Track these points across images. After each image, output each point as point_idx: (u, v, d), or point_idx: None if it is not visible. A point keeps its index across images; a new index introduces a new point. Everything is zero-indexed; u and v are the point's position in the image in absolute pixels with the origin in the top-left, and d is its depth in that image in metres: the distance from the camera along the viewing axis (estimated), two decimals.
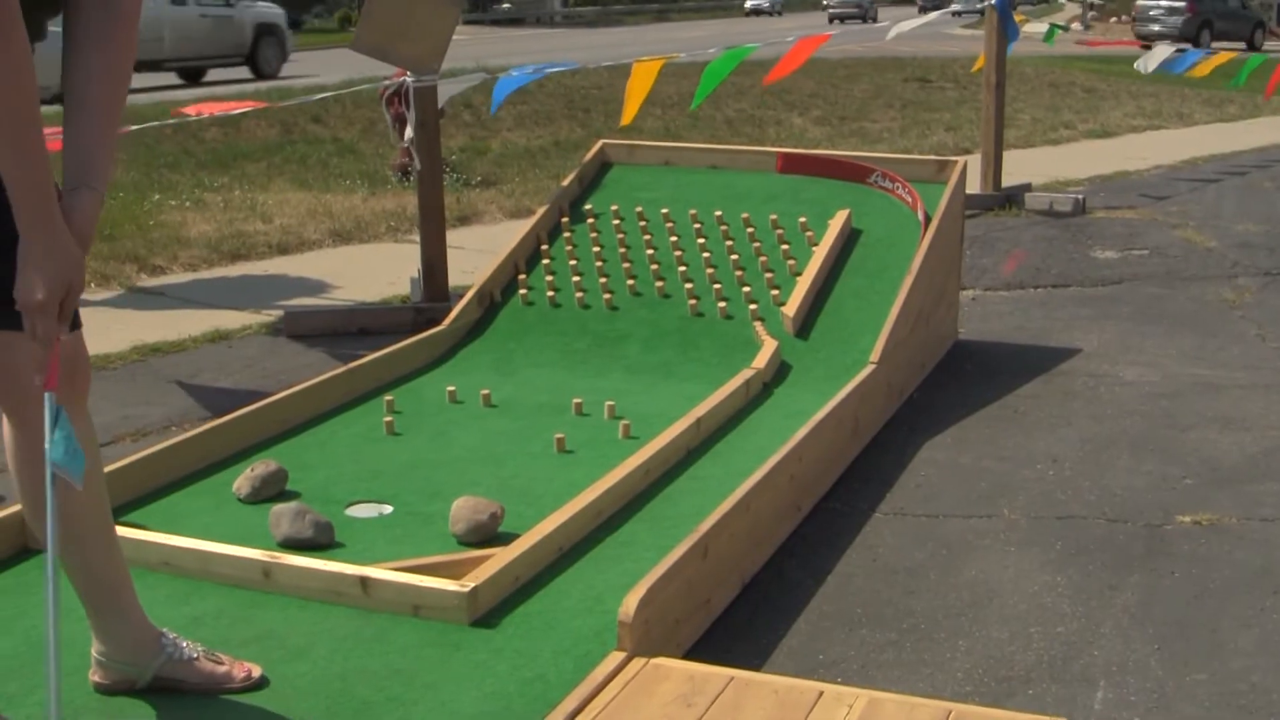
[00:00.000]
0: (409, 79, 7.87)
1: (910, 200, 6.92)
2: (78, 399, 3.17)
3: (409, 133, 8.19)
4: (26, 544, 4.27)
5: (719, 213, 7.09)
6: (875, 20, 61.88)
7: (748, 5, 76.14)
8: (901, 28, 12.45)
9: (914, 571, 4.57)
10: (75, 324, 3.12)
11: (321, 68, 27.04)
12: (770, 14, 73.49)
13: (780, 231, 6.88)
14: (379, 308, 8.22)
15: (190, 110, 9.88)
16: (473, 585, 3.80)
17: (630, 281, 6.71)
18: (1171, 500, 5.17)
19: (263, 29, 27.94)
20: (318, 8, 58.83)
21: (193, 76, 27.08)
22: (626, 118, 9.47)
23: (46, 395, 2.76)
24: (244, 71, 27.36)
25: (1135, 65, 13.12)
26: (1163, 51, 12.63)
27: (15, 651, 3.64)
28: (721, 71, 9.62)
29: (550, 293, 6.75)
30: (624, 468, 4.77)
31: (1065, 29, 15.76)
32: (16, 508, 4.29)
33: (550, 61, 10.04)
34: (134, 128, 10.33)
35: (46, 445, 2.74)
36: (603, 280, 6.77)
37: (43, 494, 3.16)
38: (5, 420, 3.16)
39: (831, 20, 63.57)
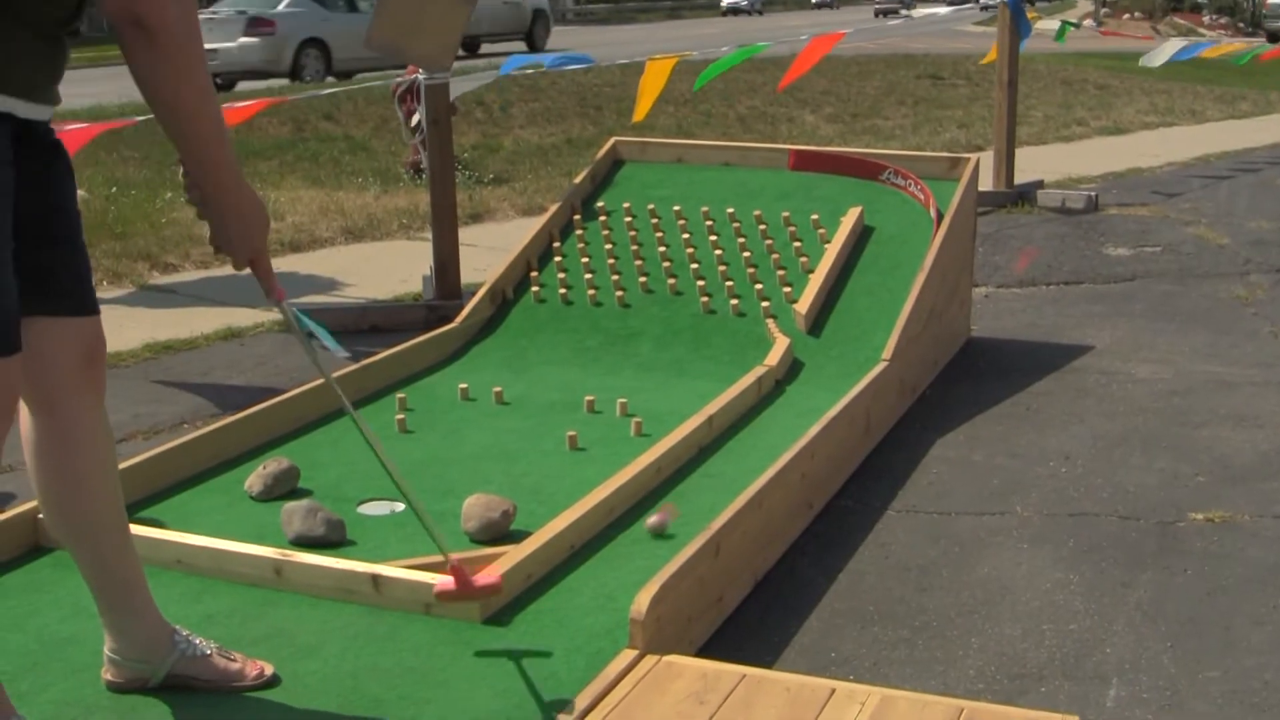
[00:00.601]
0: (421, 76, 7.87)
1: (923, 197, 6.91)
2: (94, 388, 3.20)
3: (417, 120, 8.19)
4: (38, 542, 4.28)
5: (731, 210, 7.08)
6: (912, 10, 61.75)
7: (724, 3, 72.34)
8: (918, 10, 12.45)
9: (926, 569, 4.56)
10: (94, 308, 3.19)
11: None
12: (749, 13, 70.54)
13: (792, 229, 6.88)
14: (391, 305, 8.22)
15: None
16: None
17: (642, 279, 6.71)
18: (1184, 498, 5.16)
19: (538, 13, 36.93)
20: None
21: (473, 49, 33.90)
22: (639, 114, 9.46)
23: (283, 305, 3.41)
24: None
25: (1141, 61, 13.09)
26: (1173, 45, 12.60)
27: (28, 649, 3.64)
28: (729, 63, 9.65)
29: (562, 290, 6.75)
30: (636, 465, 4.77)
31: (1077, 26, 15.73)
32: (27, 506, 4.30)
33: (564, 54, 10.02)
34: (140, 119, 10.34)
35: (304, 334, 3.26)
36: (615, 278, 6.76)
37: (57, 488, 3.18)
38: (27, 412, 3.16)
39: (877, 15, 63.37)
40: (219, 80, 24.68)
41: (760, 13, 72.18)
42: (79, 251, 3.16)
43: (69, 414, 3.15)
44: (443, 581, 3.66)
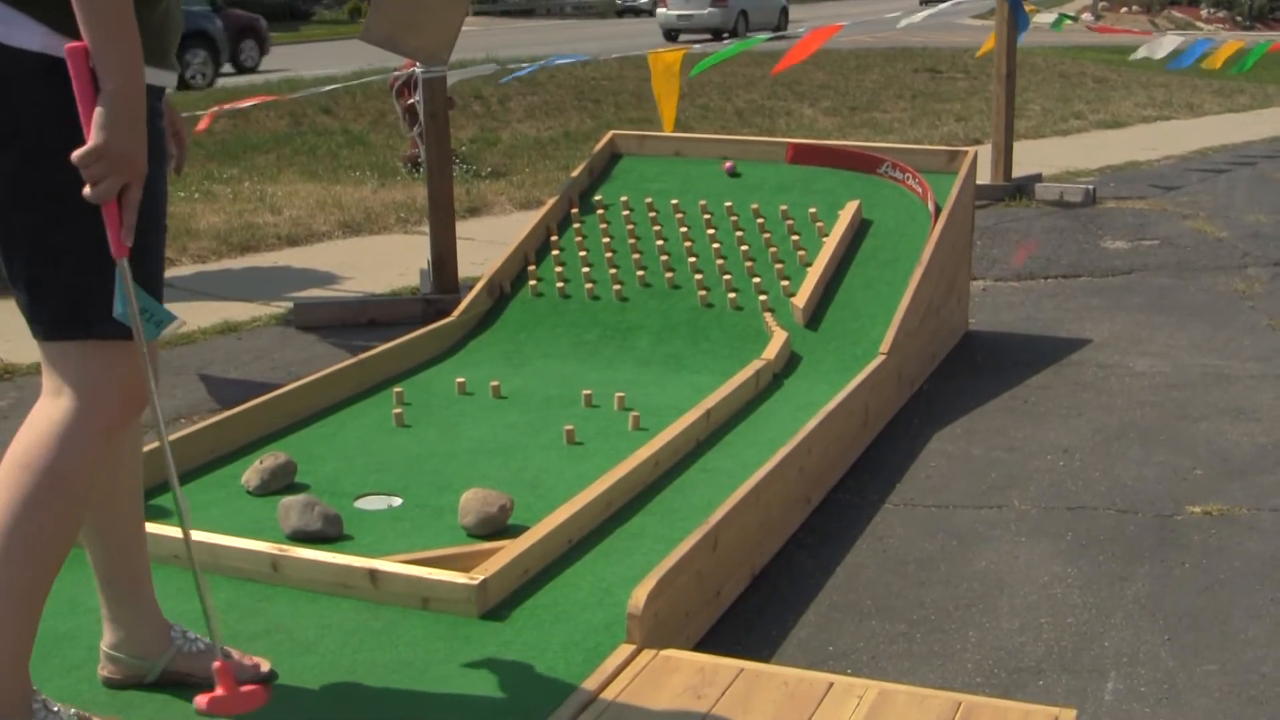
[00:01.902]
0: (418, 70, 7.86)
1: (920, 191, 6.91)
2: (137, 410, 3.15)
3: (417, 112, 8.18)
4: None
5: (729, 204, 7.08)
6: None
7: (618, 1, 61.12)
8: (913, 19, 12.42)
9: (924, 563, 4.56)
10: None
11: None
12: (648, 13, 58.25)
13: (790, 222, 6.88)
14: (389, 299, 8.21)
15: (203, 121, 9.87)
16: (482, 578, 3.80)
17: (640, 273, 6.71)
18: (1182, 491, 5.16)
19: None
20: None
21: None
22: (668, 124, 9.31)
23: (122, 263, 2.85)
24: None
25: (1133, 56, 13.09)
26: (1170, 41, 12.58)
27: None
28: (727, 55, 9.53)
29: (560, 284, 6.74)
30: (634, 459, 4.76)
31: (1074, 19, 15.72)
32: None
33: (560, 53, 10.02)
34: None
35: (115, 304, 2.87)
36: (613, 271, 6.76)
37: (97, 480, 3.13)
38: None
39: (923, 3, 62.32)
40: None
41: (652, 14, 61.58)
42: None
43: None
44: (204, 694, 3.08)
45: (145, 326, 2.94)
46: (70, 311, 2.89)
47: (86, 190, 2.74)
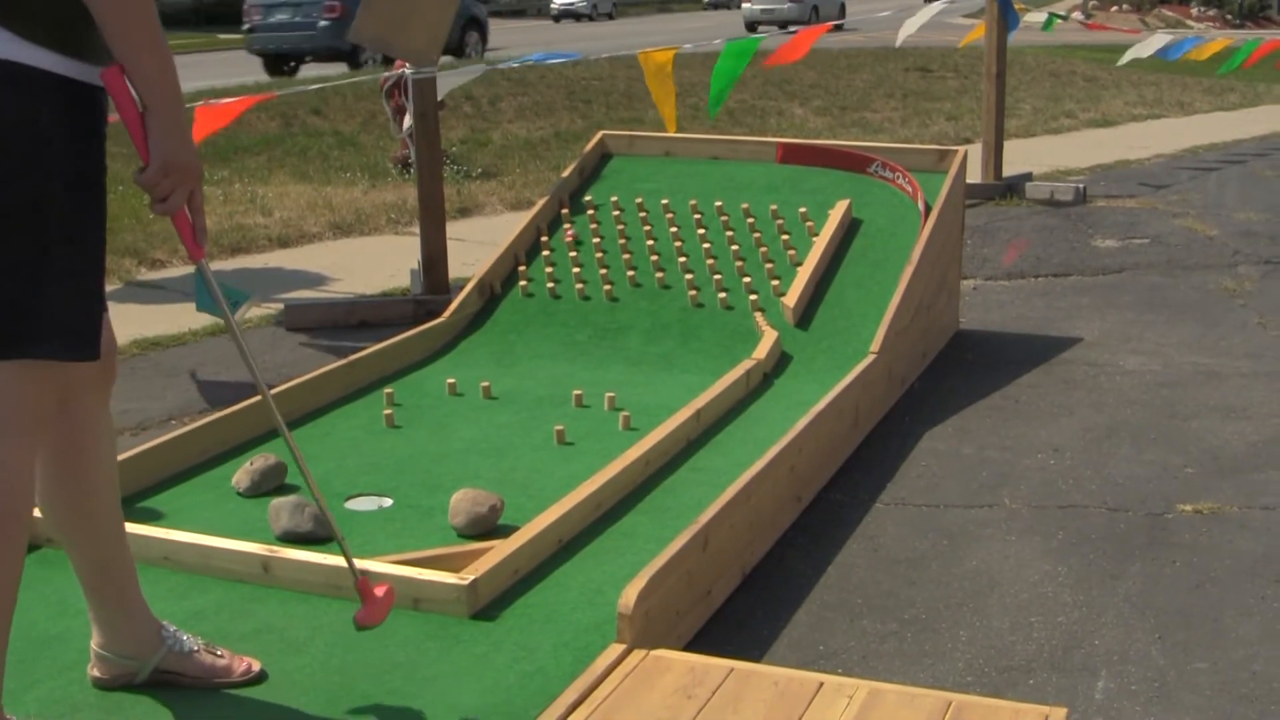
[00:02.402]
0: (408, 70, 7.86)
1: (910, 190, 6.91)
2: (107, 385, 3.18)
3: (408, 123, 8.17)
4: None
5: (719, 203, 7.08)
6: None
7: (555, 5, 58.35)
8: (908, 29, 12.42)
9: (915, 562, 4.56)
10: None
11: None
12: (588, 18, 57.27)
13: (780, 222, 6.88)
14: (379, 300, 8.20)
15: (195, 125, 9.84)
16: (472, 578, 3.80)
17: (631, 273, 6.71)
18: (1173, 489, 5.16)
19: None
20: None
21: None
22: (670, 124, 9.20)
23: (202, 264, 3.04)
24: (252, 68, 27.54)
25: (1121, 60, 13.14)
26: (1158, 40, 12.62)
27: (14, 646, 3.60)
28: (733, 71, 9.34)
29: (550, 284, 6.74)
30: (624, 459, 4.76)
31: (1065, 18, 15.71)
32: None
33: (552, 51, 10.00)
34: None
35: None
36: (603, 272, 6.76)
37: (65, 485, 3.11)
38: None
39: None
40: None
41: (610, 16, 59.22)
42: None
43: (80, 410, 3.10)
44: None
45: (230, 309, 3.03)
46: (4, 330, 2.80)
47: (159, 206, 2.80)
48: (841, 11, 48.21)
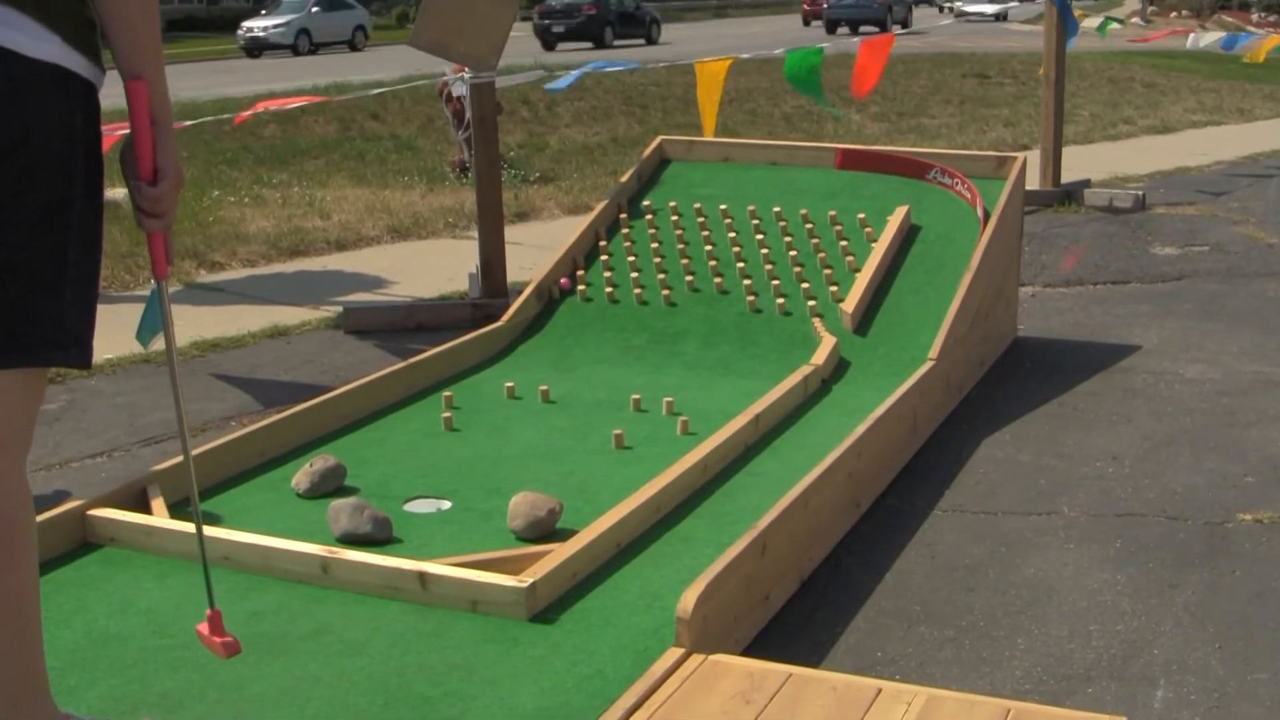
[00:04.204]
0: (467, 75, 7.88)
1: (969, 196, 6.89)
2: (25, 442, 2.86)
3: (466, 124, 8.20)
4: (86, 538, 4.30)
5: (778, 209, 7.08)
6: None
7: (244, 33, 45.18)
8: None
9: (973, 569, 4.55)
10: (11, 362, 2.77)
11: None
12: (284, 47, 44.80)
13: (839, 228, 6.87)
14: (437, 303, 8.24)
15: (247, 113, 9.92)
16: (531, 581, 3.80)
17: (689, 278, 6.71)
18: (1232, 498, 5.13)
19: None
20: (375, 4, 58.82)
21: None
22: (708, 129, 9.25)
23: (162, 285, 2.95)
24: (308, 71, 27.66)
25: (1188, 44, 13.10)
26: (1215, 34, 12.58)
27: (76, 644, 3.67)
28: (809, 81, 9.13)
29: (609, 289, 6.75)
30: (682, 464, 4.76)
31: (1122, 23, 15.64)
32: (75, 502, 4.34)
33: (609, 60, 10.01)
34: (189, 123, 10.40)
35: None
36: (661, 276, 6.76)
37: None
38: None
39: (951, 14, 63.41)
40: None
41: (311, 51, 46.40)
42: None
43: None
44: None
45: (149, 335, 2.97)
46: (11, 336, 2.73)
47: (156, 222, 2.80)
48: (909, 13, 53.08)
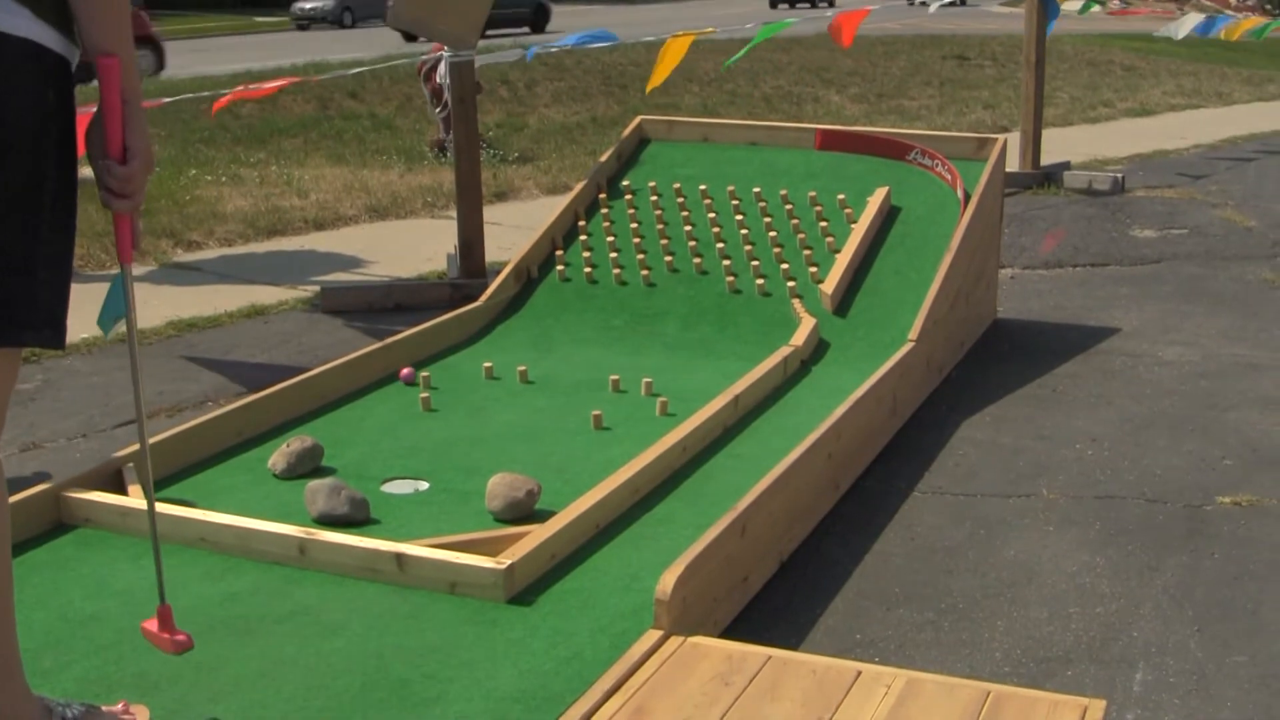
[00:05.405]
0: (446, 54, 7.85)
1: (950, 178, 6.88)
2: None
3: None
4: (61, 519, 4.27)
5: (757, 189, 7.06)
6: None
7: (296, 8, 46.44)
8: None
9: (952, 551, 4.55)
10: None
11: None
12: (329, 23, 45.90)
13: (819, 209, 6.86)
14: (415, 283, 8.21)
15: (225, 99, 9.87)
16: (509, 562, 3.79)
17: (668, 258, 6.69)
18: (1211, 481, 5.13)
19: None
20: None
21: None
22: (653, 83, 9.33)
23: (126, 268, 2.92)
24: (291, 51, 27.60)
25: (1160, 31, 13.06)
26: (1193, 19, 12.56)
27: (50, 626, 3.64)
28: (755, 42, 9.46)
29: (588, 269, 6.73)
30: (661, 445, 4.75)
31: (1103, 3, 15.64)
32: (51, 484, 4.31)
33: (589, 32, 9.98)
34: (167, 100, 10.35)
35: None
36: (640, 257, 6.75)
37: None
38: None
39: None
40: None
41: (346, 25, 46.23)
42: None
43: None
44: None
45: (110, 323, 2.91)
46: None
47: (124, 202, 2.75)
48: None
